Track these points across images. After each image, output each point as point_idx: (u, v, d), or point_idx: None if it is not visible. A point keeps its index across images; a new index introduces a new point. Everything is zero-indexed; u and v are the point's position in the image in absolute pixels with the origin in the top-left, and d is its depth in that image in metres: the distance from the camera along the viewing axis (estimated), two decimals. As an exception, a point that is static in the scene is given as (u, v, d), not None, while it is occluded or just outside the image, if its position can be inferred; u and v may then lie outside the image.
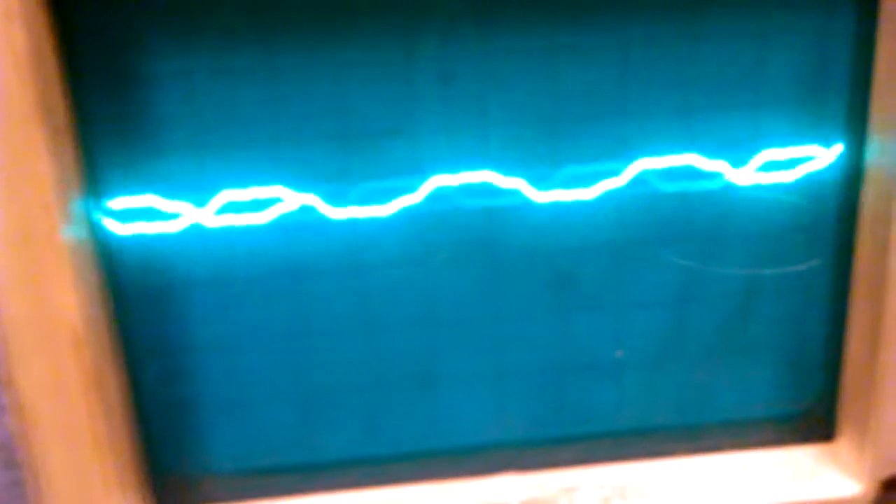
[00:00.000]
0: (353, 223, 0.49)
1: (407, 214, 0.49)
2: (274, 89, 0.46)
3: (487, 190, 0.49)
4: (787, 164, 0.51)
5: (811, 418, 0.57)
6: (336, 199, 0.49)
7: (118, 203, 0.47)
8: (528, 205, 0.50)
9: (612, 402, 0.56)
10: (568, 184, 0.50)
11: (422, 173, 0.49)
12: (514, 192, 0.50)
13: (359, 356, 0.52)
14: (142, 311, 0.50)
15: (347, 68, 0.46)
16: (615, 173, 0.50)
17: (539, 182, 0.50)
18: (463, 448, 0.55)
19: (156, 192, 0.47)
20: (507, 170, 0.49)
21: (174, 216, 0.48)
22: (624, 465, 0.56)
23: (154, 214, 0.48)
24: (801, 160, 0.51)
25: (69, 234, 0.44)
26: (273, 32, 0.45)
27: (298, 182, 0.48)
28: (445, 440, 0.55)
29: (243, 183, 0.48)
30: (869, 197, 0.51)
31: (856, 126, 0.50)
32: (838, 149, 0.51)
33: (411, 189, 0.49)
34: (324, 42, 0.46)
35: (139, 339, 0.50)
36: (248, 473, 0.54)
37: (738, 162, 0.51)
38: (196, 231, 0.48)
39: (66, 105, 0.44)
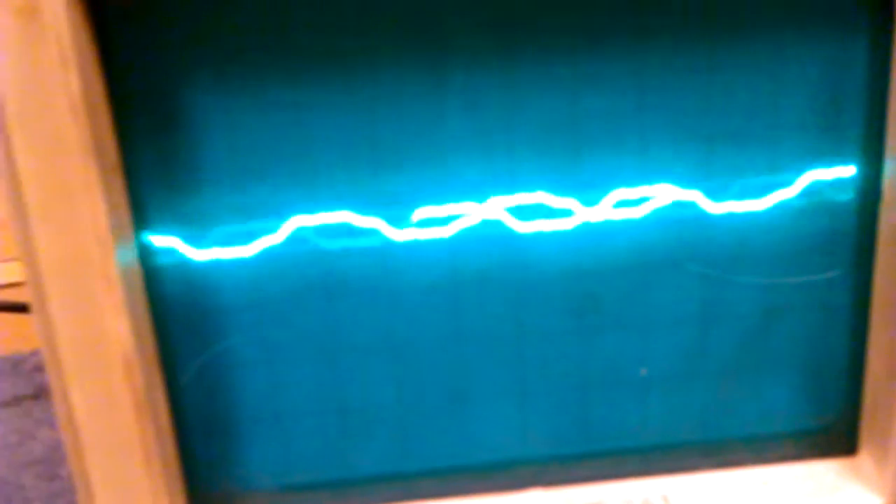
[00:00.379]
0: (384, 245, 0.52)
1: (436, 239, 0.52)
2: (310, 123, 0.49)
3: (516, 211, 0.52)
4: (802, 184, 0.53)
5: (833, 433, 0.58)
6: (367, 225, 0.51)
7: (164, 235, 0.50)
8: (553, 227, 0.52)
9: (636, 419, 0.57)
10: (591, 206, 0.52)
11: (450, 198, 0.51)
12: (539, 213, 0.52)
13: (391, 373, 0.55)
14: (184, 335, 0.52)
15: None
16: (633, 198, 0.52)
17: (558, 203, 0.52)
18: (490, 464, 0.57)
19: (198, 224, 0.50)
20: (528, 192, 0.51)
21: (216, 245, 0.50)
22: (648, 480, 0.57)
23: (197, 243, 0.50)
24: (818, 182, 0.53)
25: (120, 263, 0.46)
26: (311, 68, 0.48)
27: (326, 207, 0.50)
28: (473, 456, 0.57)
29: (282, 214, 0.50)
30: (886, 213, 0.52)
31: (872, 148, 0.52)
32: (854, 169, 0.52)
33: (442, 215, 0.51)
34: (355, 78, 0.48)
35: (183, 360, 0.53)
36: (285, 490, 0.56)
37: (753, 188, 0.52)
38: (236, 258, 0.51)
39: (115, 143, 0.47)
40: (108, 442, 0.49)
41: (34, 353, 0.85)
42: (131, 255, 0.49)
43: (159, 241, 0.50)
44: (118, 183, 0.48)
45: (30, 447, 0.72)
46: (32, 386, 0.83)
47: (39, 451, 0.71)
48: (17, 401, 0.80)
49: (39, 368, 0.82)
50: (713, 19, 0.49)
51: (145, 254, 0.50)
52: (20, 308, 0.76)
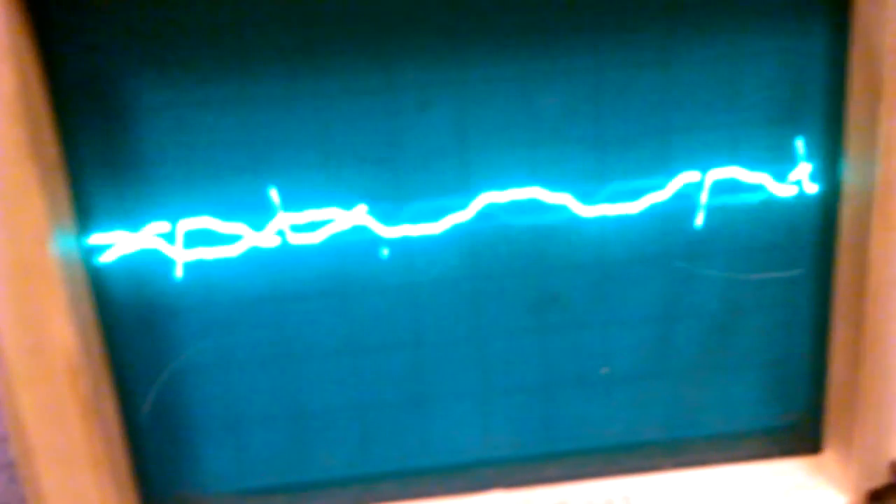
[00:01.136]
0: (336, 249, 0.51)
1: (390, 239, 0.51)
2: (256, 118, 0.48)
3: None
4: (760, 180, 0.52)
5: (797, 431, 0.58)
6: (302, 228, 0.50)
7: (108, 234, 0.49)
8: (507, 226, 0.51)
9: (598, 419, 0.57)
10: (545, 205, 0.51)
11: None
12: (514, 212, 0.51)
13: (349, 377, 0.54)
14: (133, 337, 0.51)
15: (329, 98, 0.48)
16: (591, 194, 0.51)
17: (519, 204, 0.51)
18: (451, 466, 0.56)
19: (142, 222, 0.49)
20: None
21: (161, 244, 0.49)
22: (612, 481, 0.57)
23: (143, 242, 0.49)
24: (777, 176, 0.52)
25: (62, 265, 0.45)
26: (255, 64, 0.47)
27: (265, 214, 0.49)
28: (434, 458, 0.56)
29: (227, 212, 0.49)
30: (846, 211, 0.52)
31: (831, 143, 0.51)
32: (815, 167, 0.52)
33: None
34: (304, 72, 0.47)
35: (132, 364, 0.52)
36: (242, 494, 0.55)
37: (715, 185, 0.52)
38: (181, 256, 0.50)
39: (55, 141, 0.46)
40: (56, 448, 0.48)
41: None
42: (74, 258, 0.48)
43: (104, 239, 0.49)
44: (59, 182, 0.46)
45: (2, 451, 0.71)
46: None
47: (13, 454, 0.70)
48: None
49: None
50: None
51: (90, 254, 0.49)
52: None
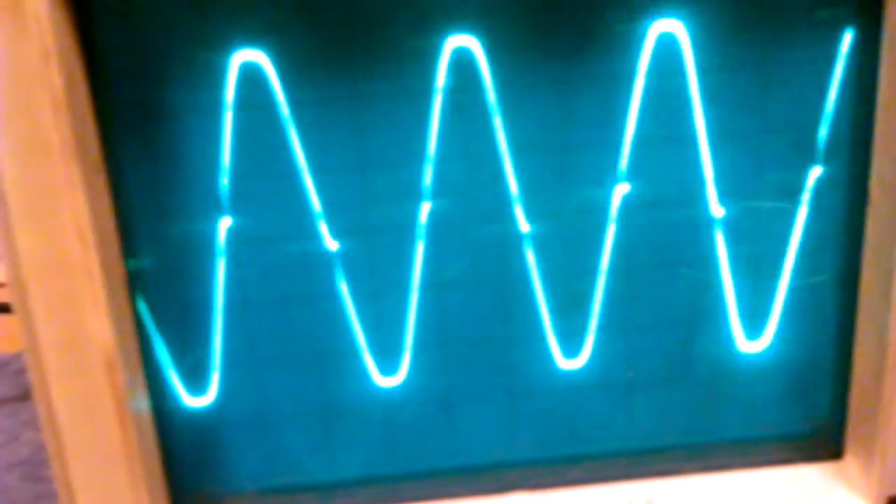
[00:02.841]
0: (370, 245, 0.51)
1: (418, 238, 0.51)
2: (296, 121, 0.49)
3: (493, 215, 0.52)
4: (788, 185, 0.53)
5: (820, 437, 0.58)
6: (352, 225, 0.51)
7: (147, 231, 0.50)
8: (536, 230, 0.52)
9: (622, 422, 0.57)
10: (574, 209, 0.52)
11: (431, 199, 0.51)
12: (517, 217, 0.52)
13: (377, 376, 0.54)
14: (168, 334, 0.52)
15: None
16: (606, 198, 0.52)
17: (541, 207, 0.52)
18: (475, 467, 0.57)
19: (182, 220, 0.50)
20: (509, 196, 0.51)
21: (197, 240, 0.50)
22: (634, 484, 0.57)
23: (178, 237, 0.50)
24: (801, 182, 0.53)
25: (101, 261, 0.46)
26: (295, 68, 0.48)
27: (314, 209, 0.50)
28: (459, 459, 0.57)
29: (268, 211, 0.50)
30: (872, 217, 0.52)
31: (862, 151, 0.52)
32: (844, 173, 0.52)
33: (421, 214, 0.51)
34: (342, 77, 0.48)
35: (166, 360, 0.52)
36: (268, 492, 0.56)
37: (738, 187, 0.52)
38: (219, 254, 0.50)
39: (98, 139, 0.47)
40: (89, 443, 0.49)
41: (19, 353, 0.84)
42: (114, 253, 0.48)
43: (142, 236, 0.49)
44: (102, 180, 0.47)
45: (15, 448, 0.71)
46: (18, 387, 0.82)
47: (25, 452, 0.71)
48: (2, 402, 0.79)
49: (25, 369, 0.81)
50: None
51: (128, 251, 0.49)
52: (3, 309, 0.76)
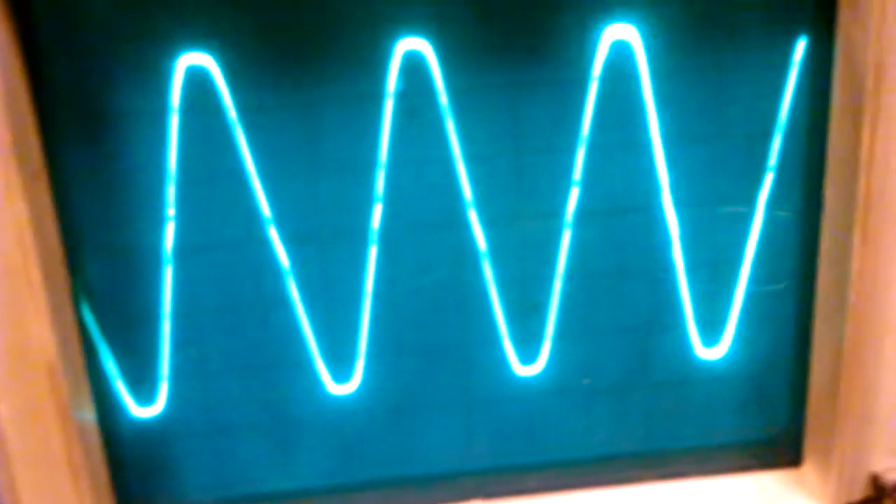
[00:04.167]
0: (321, 252, 0.51)
1: (371, 244, 0.51)
2: (244, 126, 0.48)
3: (447, 221, 0.51)
4: (743, 191, 0.52)
5: (777, 444, 0.58)
6: (303, 232, 0.50)
7: (90, 238, 0.49)
8: (491, 236, 0.51)
9: (580, 429, 0.57)
10: (529, 215, 0.52)
11: (383, 204, 0.50)
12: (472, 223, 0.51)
13: (331, 385, 0.54)
14: (114, 342, 0.51)
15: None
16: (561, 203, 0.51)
17: (496, 212, 0.51)
18: (433, 475, 0.56)
19: (126, 226, 0.49)
20: (463, 201, 0.51)
21: (143, 247, 0.49)
22: (592, 492, 0.57)
23: (123, 245, 0.49)
24: (756, 187, 0.52)
25: (44, 269, 0.45)
26: (243, 71, 0.47)
27: (263, 214, 0.50)
28: (414, 467, 0.56)
29: (216, 218, 0.49)
30: (827, 226, 0.52)
31: (813, 158, 0.52)
32: (794, 181, 0.52)
33: (373, 220, 0.51)
34: (291, 80, 0.48)
35: (112, 369, 0.51)
36: (221, 502, 0.55)
37: (693, 193, 0.52)
38: (165, 261, 0.49)
39: (40, 145, 0.46)
40: (33, 452, 0.48)
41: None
42: (56, 260, 0.47)
43: (86, 243, 0.49)
44: (43, 187, 0.46)
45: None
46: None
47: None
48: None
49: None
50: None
51: (72, 258, 0.49)
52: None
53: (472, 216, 0.51)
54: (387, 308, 0.52)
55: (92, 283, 0.50)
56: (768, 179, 0.52)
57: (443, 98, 0.49)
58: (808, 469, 0.57)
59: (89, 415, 0.50)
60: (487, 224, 0.52)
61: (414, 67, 0.48)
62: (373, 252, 0.51)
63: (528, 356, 0.54)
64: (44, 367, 0.46)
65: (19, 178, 0.44)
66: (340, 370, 0.53)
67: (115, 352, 0.51)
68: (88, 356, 0.50)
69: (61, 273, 0.48)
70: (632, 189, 0.52)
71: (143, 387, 0.52)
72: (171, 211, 0.49)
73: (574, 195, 0.51)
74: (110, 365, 0.51)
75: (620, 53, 0.49)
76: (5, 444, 0.47)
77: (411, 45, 0.48)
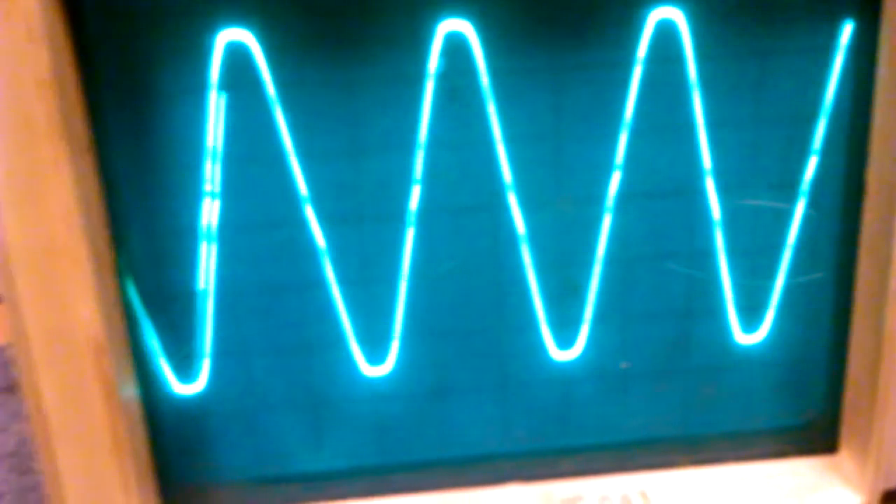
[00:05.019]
0: (358, 233, 0.51)
1: (409, 226, 0.51)
2: (283, 104, 0.48)
3: (486, 203, 0.51)
4: (785, 177, 0.52)
5: (814, 430, 0.58)
6: (340, 212, 0.50)
7: (135, 216, 0.49)
8: (530, 219, 0.51)
9: (617, 413, 0.57)
10: (569, 199, 0.51)
11: (422, 186, 0.50)
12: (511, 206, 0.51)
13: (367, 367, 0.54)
14: (157, 321, 0.51)
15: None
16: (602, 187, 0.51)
17: (536, 196, 0.51)
18: (469, 458, 0.56)
19: (170, 205, 0.49)
20: (503, 184, 0.51)
21: (186, 225, 0.49)
22: (628, 476, 0.57)
23: (167, 222, 0.49)
24: (798, 173, 0.52)
25: (89, 246, 0.45)
26: (283, 49, 0.47)
27: (301, 194, 0.49)
28: (452, 450, 0.56)
29: (255, 196, 0.49)
30: (868, 213, 0.52)
31: (855, 141, 0.51)
32: (835, 167, 0.52)
33: (411, 202, 0.50)
34: (331, 59, 0.48)
35: (155, 349, 0.52)
36: (258, 482, 0.56)
37: (735, 177, 0.52)
38: (210, 239, 0.50)
39: (86, 121, 0.46)
40: (77, 432, 0.48)
41: (5, 346, 0.83)
42: (101, 237, 0.48)
43: (131, 221, 0.49)
44: (89, 163, 0.46)
45: (2, 440, 0.71)
46: (5, 378, 0.81)
47: (12, 444, 0.70)
48: (-10, 393, 0.79)
49: (12, 360, 0.80)
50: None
51: (117, 236, 0.49)
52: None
53: (512, 199, 0.51)
54: (423, 290, 0.52)
55: (136, 261, 0.50)
56: (812, 163, 0.52)
57: (484, 80, 0.49)
58: (845, 456, 0.57)
59: (133, 392, 0.51)
60: (526, 207, 0.51)
61: (456, 49, 0.48)
62: (410, 234, 0.51)
63: (565, 340, 0.54)
64: (89, 345, 0.46)
65: (66, 151, 0.44)
66: (375, 352, 0.53)
67: (159, 329, 0.51)
68: (132, 334, 0.50)
69: (107, 250, 0.48)
70: (674, 173, 0.52)
71: (185, 364, 0.52)
72: (210, 187, 0.49)
73: (615, 179, 0.51)
74: (154, 343, 0.52)
75: (666, 35, 0.49)
76: (48, 422, 0.47)
77: (453, 26, 0.48)
